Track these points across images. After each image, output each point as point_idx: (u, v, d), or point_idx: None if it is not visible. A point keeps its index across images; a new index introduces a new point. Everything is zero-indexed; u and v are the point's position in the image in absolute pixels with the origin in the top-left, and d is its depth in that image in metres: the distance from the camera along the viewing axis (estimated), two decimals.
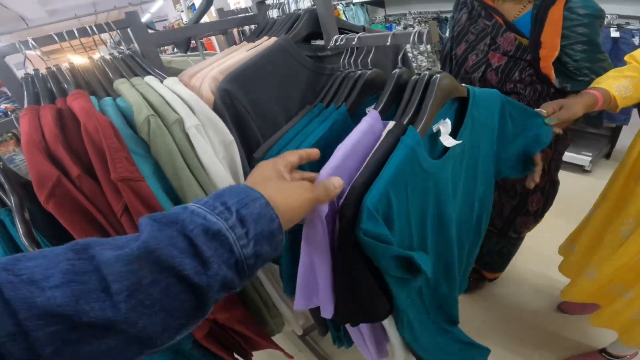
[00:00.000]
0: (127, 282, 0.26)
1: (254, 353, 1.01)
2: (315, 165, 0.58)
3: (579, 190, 2.04)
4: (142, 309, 0.27)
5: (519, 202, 1.14)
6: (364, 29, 0.89)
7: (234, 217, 0.31)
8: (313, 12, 0.80)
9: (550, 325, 1.37)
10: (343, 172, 0.57)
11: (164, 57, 1.07)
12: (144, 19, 6.24)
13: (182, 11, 4.59)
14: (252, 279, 0.87)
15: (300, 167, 0.56)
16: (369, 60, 0.75)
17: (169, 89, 0.64)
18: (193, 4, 4.33)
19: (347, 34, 0.79)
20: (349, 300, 0.59)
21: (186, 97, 0.62)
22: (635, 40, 1.77)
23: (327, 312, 0.60)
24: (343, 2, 3.40)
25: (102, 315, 0.25)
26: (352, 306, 0.60)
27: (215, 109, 0.66)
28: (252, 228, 0.32)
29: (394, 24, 3.17)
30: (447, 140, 0.64)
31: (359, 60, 0.77)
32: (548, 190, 1.15)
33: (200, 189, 0.61)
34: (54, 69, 0.70)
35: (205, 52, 1.00)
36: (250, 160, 0.71)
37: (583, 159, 2.21)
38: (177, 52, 1.14)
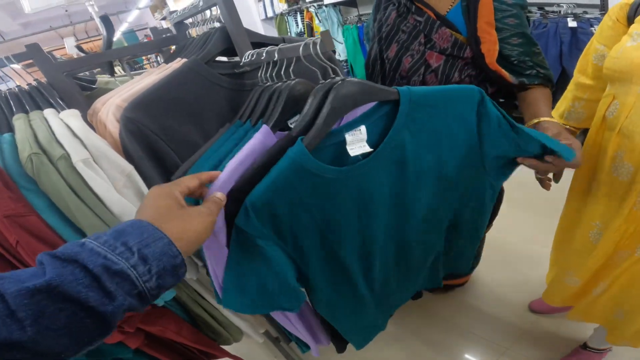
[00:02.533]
0: (31, 311, 0.29)
1: None
2: None
3: (558, 186, 2.00)
4: (47, 332, 0.30)
5: None
6: (283, 41, 0.87)
7: (135, 256, 0.34)
8: (224, 29, 0.78)
9: (522, 324, 1.34)
10: (231, 185, 0.57)
11: (102, 79, 1.06)
12: (122, 28, 6.20)
13: (164, 18, 4.57)
14: (193, 294, 0.86)
15: None
16: (290, 71, 0.72)
17: (63, 123, 0.63)
18: (175, 11, 4.31)
19: (267, 46, 0.77)
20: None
21: (77, 131, 0.61)
22: (594, 30, 1.75)
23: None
24: (315, 5, 3.39)
25: (9, 337, 0.28)
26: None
27: (122, 137, 0.64)
28: (154, 265, 0.34)
29: (372, 12, 3.15)
30: (354, 150, 0.62)
31: (273, 73, 0.75)
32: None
33: (98, 219, 0.59)
34: None
35: (135, 71, 0.99)
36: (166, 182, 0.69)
37: None
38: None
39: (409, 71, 0.94)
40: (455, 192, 0.75)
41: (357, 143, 0.64)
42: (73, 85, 0.77)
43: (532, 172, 0.77)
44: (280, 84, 0.74)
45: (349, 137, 0.63)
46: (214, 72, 0.75)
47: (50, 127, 0.62)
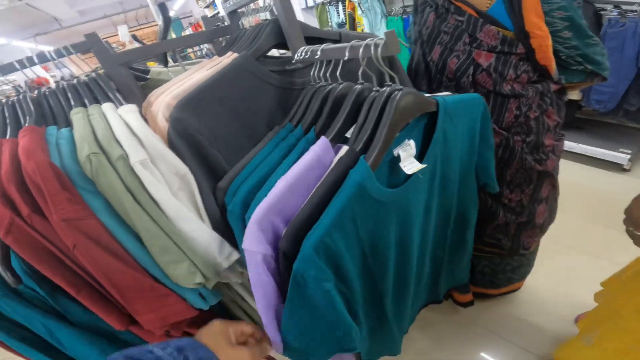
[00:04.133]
0: None
1: None
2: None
3: (616, 191, 1.83)
4: None
5: (528, 217, 1.02)
6: (339, 36, 0.82)
7: None
8: (277, 22, 0.74)
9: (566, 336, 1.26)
10: (281, 210, 0.55)
11: (155, 69, 1.07)
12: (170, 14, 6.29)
13: (207, 6, 4.61)
14: (231, 293, 0.88)
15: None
16: (337, 73, 0.68)
17: (122, 119, 0.63)
18: (213, 1, 4.32)
19: (323, 42, 0.72)
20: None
21: (136, 129, 0.61)
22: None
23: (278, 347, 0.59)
24: None
25: None
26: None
27: (170, 139, 0.64)
28: None
29: (412, 16, 2.96)
30: (408, 166, 0.59)
31: (327, 73, 0.71)
32: (550, 198, 1.04)
33: (152, 222, 0.60)
34: (20, 97, 0.72)
35: (186, 61, 0.98)
36: (215, 189, 0.68)
37: (621, 156, 1.97)
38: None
39: (456, 72, 0.90)
40: (455, 194, 0.75)
41: (409, 159, 0.61)
42: (130, 77, 0.78)
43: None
44: (332, 85, 0.69)
45: (402, 153, 0.60)
46: (264, 69, 0.73)
47: (109, 123, 0.62)
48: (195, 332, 0.80)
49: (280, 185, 0.54)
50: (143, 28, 6.54)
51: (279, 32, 0.74)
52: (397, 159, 0.60)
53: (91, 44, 0.73)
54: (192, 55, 3.21)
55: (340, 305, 0.56)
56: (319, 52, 0.69)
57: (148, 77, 0.96)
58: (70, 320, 0.66)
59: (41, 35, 4.96)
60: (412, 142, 0.60)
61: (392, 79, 0.60)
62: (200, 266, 0.65)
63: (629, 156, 1.95)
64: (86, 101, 0.72)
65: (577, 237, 1.52)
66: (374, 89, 0.61)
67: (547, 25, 0.78)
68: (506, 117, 0.88)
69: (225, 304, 0.90)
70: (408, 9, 3.08)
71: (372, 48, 0.57)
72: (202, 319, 0.79)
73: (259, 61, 0.73)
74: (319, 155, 0.57)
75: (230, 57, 0.74)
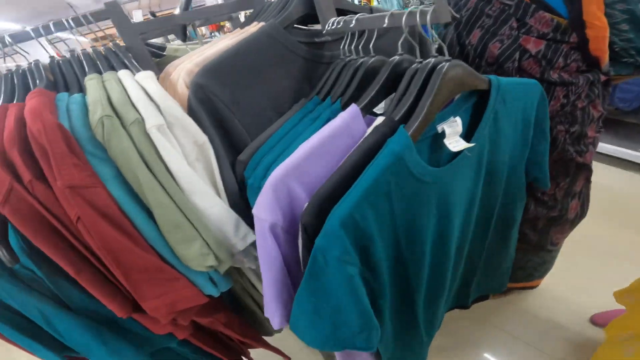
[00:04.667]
0: None
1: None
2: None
3: (635, 191, 1.77)
4: None
5: (560, 212, 0.97)
6: (370, 11, 0.77)
7: None
8: None
9: (580, 336, 1.20)
10: (302, 176, 0.49)
11: (171, 46, 1.02)
12: None
13: None
14: (243, 280, 0.82)
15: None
16: (370, 46, 0.63)
17: (138, 85, 0.58)
18: None
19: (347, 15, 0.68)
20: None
21: (153, 94, 0.56)
22: None
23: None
24: None
25: None
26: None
27: (190, 105, 0.59)
28: None
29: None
30: (453, 144, 0.52)
31: (359, 46, 0.66)
32: (584, 193, 0.99)
33: (165, 194, 0.54)
34: (32, 65, 0.67)
35: (206, 39, 0.93)
36: (235, 162, 0.63)
37: None
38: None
39: (499, 57, 0.85)
40: (501, 187, 0.67)
41: (454, 137, 0.54)
42: (144, 49, 0.73)
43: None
44: (364, 58, 0.64)
45: (448, 129, 0.53)
46: (293, 39, 0.67)
47: (125, 89, 0.57)
48: (203, 321, 0.75)
49: (303, 149, 0.49)
50: (157, 15, 6.64)
51: (309, 1, 0.69)
52: (441, 135, 0.54)
53: (110, 12, 0.69)
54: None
55: (363, 296, 0.49)
56: (353, 22, 0.63)
57: (164, 53, 0.91)
58: (69, 306, 0.60)
59: (58, 21, 4.98)
60: (458, 119, 0.54)
61: (423, 53, 0.54)
62: (214, 246, 0.60)
63: None
64: (102, 69, 0.67)
65: (596, 237, 1.47)
66: (417, 60, 0.56)
67: (606, 17, 0.75)
68: (552, 105, 0.83)
69: (234, 292, 0.83)
70: (426, 1, 3.05)
71: (419, 15, 0.51)
72: (210, 306, 0.74)
73: (287, 30, 0.67)
74: (347, 122, 0.52)
75: (256, 26, 0.69)
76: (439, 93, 0.50)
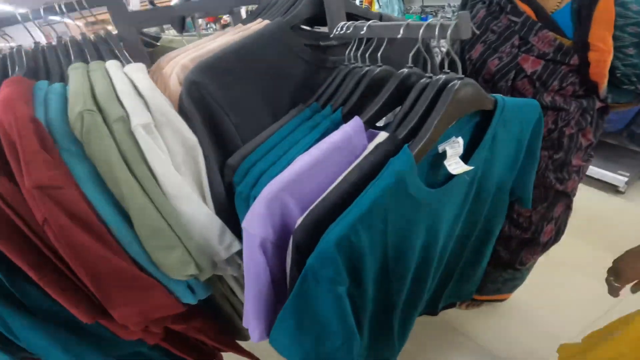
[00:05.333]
0: None
1: None
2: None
3: (608, 212, 1.84)
4: None
5: (532, 235, 0.98)
6: (380, 18, 0.73)
7: None
8: None
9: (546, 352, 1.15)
10: (298, 191, 0.46)
11: (166, 36, 0.97)
12: None
13: None
14: (222, 286, 0.79)
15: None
16: (378, 55, 0.60)
17: (127, 78, 0.53)
18: None
19: (358, 21, 0.64)
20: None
21: (142, 89, 0.51)
22: None
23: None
24: None
25: None
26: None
27: (181, 103, 0.54)
28: None
29: (430, 16, 2.92)
30: (453, 166, 0.50)
31: (366, 54, 0.62)
32: (562, 219, 1.00)
33: (146, 198, 0.50)
34: (14, 50, 0.62)
35: (202, 30, 0.89)
36: (223, 165, 0.59)
37: (618, 178, 1.95)
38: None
39: (495, 75, 0.84)
40: (486, 205, 0.66)
41: (455, 158, 0.52)
42: (137, 39, 0.68)
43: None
44: (370, 67, 0.61)
45: (449, 150, 0.51)
46: (299, 40, 0.64)
47: (111, 81, 0.53)
48: (177, 327, 0.70)
49: (301, 162, 0.46)
50: (156, 4, 6.50)
51: (319, 2, 0.65)
52: (441, 156, 0.51)
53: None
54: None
55: (349, 313, 0.48)
56: (365, 28, 0.60)
57: (158, 44, 0.86)
58: (28, 307, 0.55)
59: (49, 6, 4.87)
60: (460, 140, 0.52)
61: (452, 66, 0.51)
62: (195, 255, 0.56)
63: (626, 179, 1.93)
64: (89, 59, 0.63)
65: (567, 255, 1.51)
66: (427, 75, 0.52)
67: (613, 40, 0.73)
68: None
69: (212, 298, 0.80)
70: (427, 9, 3.06)
71: (438, 30, 0.48)
72: (186, 312, 0.69)
73: (293, 31, 0.63)
74: (349, 137, 0.49)
75: (261, 23, 0.65)
76: (447, 113, 0.47)
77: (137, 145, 0.49)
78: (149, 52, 0.86)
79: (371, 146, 0.47)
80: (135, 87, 0.52)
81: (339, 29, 0.63)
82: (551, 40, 0.77)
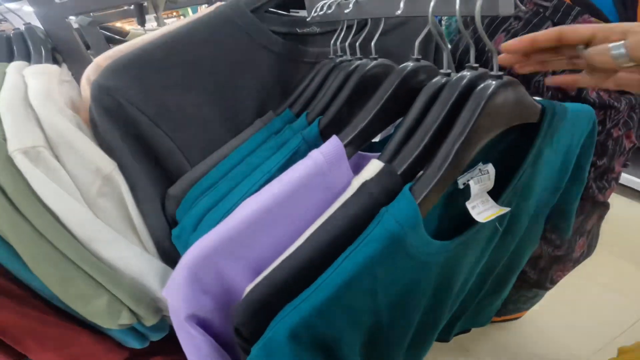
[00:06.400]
0: None
1: None
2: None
3: (632, 221, 1.62)
4: None
5: (565, 251, 0.86)
6: None
7: None
8: None
9: None
10: (241, 249, 0.32)
11: (135, 31, 0.85)
12: None
13: None
14: None
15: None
16: (372, 44, 0.44)
17: (22, 83, 0.40)
18: None
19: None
20: None
21: (32, 98, 0.37)
22: None
23: None
24: None
25: None
26: None
27: (92, 116, 0.40)
28: None
29: None
30: (479, 209, 0.33)
31: (357, 44, 0.46)
32: (594, 231, 0.88)
33: (42, 242, 0.36)
34: None
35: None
36: (164, 195, 0.45)
37: None
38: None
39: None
40: (514, 243, 0.51)
41: (482, 197, 0.35)
42: (71, 34, 0.54)
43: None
44: (362, 61, 0.45)
45: (475, 185, 0.33)
46: (263, 26, 0.48)
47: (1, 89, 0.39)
48: None
49: (246, 210, 0.32)
50: None
51: None
52: (460, 192, 0.34)
53: None
54: None
55: None
56: (350, 6, 0.43)
57: (125, 39, 0.74)
58: None
59: None
60: (490, 169, 0.35)
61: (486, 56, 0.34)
62: (130, 303, 0.44)
63: None
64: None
65: (586, 267, 1.38)
66: (442, 71, 0.35)
67: None
68: None
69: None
70: None
71: (458, 2, 0.30)
72: (142, 352, 0.57)
73: (256, 15, 0.48)
74: (322, 168, 0.32)
75: (217, 5, 0.49)
76: (476, 131, 0.30)
77: (22, 177, 0.35)
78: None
79: (355, 184, 0.31)
80: (27, 97, 0.38)
81: (317, 10, 0.47)
82: None
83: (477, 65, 0.33)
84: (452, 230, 0.35)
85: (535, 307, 1.18)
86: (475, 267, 0.46)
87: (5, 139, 0.35)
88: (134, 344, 0.51)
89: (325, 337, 0.30)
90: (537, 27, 0.71)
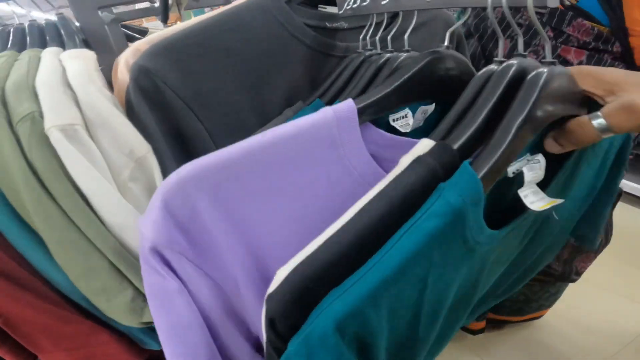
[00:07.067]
0: None
1: None
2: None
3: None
4: None
5: None
6: None
7: None
8: None
9: None
10: (225, 186, 0.30)
11: (151, 30, 0.86)
12: None
13: None
14: None
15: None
16: (405, 37, 0.44)
17: (59, 65, 0.40)
18: None
19: None
20: None
21: (71, 77, 0.37)
22: None
23: None
24: None
25: None
26: None
27: (128, 97, 0.40)
28: None
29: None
30: (532, 199, 0.32)
31: (388, 38, 0.46)
32: (609, 219, 0.89)
33: (70, 227, 0.35)
34: None
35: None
36: None
37: None
38: None
39: None
40: (543, 245, 0.49)
41: (533, 186, 0.34)
42: (101, 27, 0.55)
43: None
44: (393, 54, 0.45)
45: (528, 172, 0.32)
46: (297, 19, 0.48)
47: (36, 70, 0.39)
48: None
49: (235, 146, 0.31)
50: None
51: None
52: (506, 182, 0.34)
53: None
54: None
55: None
56: (385, 0, 0.44)
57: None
58: None
59: None
60: (541, 159, 0.34)
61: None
62: None
63: None
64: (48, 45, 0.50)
65: (593, 272, 1.36)
66: (496, 59, 0.35)
67: None
68: None
69: None
70: None
71: None
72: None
73: (290, 6, 0.48)
74: (329, 121, 0.32)
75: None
76: (534, 116, 0.29)
77: (54, 155, 0.34)
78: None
79: (405, 161, 0.29)
80: (66, 77, 0.38)
81: (350, 3, 0.48)
82: (589, 28, 0.74)
83: (525, 53, 0.33)
84: (496, 223, 0.34)
85: (550, 312, 1.17)
86: (501, 266, 0.45)
87: (42, 116, 0.34)
88: (154, 345, 0.50)
89: (369, 330, 0.27)
90: (537, 33, 0.77)
